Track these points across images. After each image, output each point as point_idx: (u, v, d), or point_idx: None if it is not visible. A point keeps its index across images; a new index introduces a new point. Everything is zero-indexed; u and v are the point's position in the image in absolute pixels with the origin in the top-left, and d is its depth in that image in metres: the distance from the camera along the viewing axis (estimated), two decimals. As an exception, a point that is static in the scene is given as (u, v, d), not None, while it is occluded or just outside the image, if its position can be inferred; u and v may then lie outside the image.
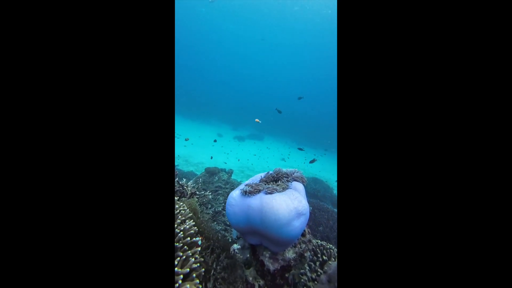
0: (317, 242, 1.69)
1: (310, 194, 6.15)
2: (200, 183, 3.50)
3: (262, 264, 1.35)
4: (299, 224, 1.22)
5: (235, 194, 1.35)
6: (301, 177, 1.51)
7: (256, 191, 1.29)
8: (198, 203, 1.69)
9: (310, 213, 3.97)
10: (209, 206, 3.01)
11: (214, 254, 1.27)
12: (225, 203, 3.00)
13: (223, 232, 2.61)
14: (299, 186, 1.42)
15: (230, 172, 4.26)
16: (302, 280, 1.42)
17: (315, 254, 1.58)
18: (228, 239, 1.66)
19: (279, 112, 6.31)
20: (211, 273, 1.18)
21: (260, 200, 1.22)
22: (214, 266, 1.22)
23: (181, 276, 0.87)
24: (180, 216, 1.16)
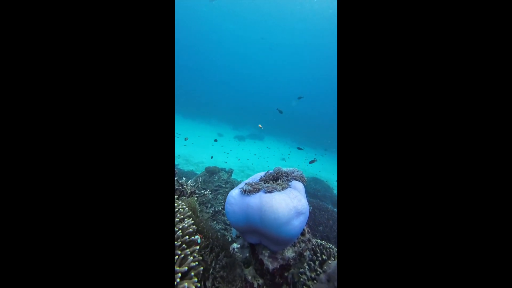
0: (316, 242, 1.69)
1: (310, 194, 6.15)
2: (200, 182, 3.50)
3: (261, 263, 1.35)
4: (299, 223, 1.21)
5: (235, 193, 1.34)
6: (301, 176, 1.50)
7: (256, 190, 1.28)
8: (198, 202, 1.69)
9: (310, 213, 3.97)
10: (209, 205, 3.01)
11: (213, 253, 1.27)
12: (225, 203, 3.00)
13: (223, 231, 2.61)
14: (298, 185, 1.42)
15: (230, 172, 4.26)
16: (301, 279, 1.42)
17: (315, 253, 1.58)
18: (228, 238, 1.65)
19: (280, 112, 6.31)
20: (210, 272, 1.17)
21: (260, 199, 1.22)
22: (213, 265, 1.22)
23: (179, 274, 0.87)
24: (178, 215, 1.16)
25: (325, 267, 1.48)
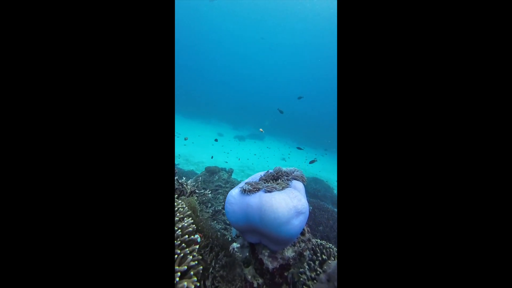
0: (316, 241, 1.68)
1: (311, 194, 6.15)
2: (200, 182, 3.50)
3: (261, 262, 1.35)
4: (298, 222, 1.21)
5: (235, 192, 1.34)
6: (301, 176, 1.50)
7: (256, 190, 1.28)
8: (198, 201, 1.69)
9: (310, 213, 3.97)
10: (209, 205, 3.01)
11: (213, 252, 1.27)
12: (225, 202, 2.99)
13: (223, 231, 2.61)
14: (298, 185, 1.42)
15: (230, 171, 4.26)
16: (301, 279, 1.42)
17: (315, 253, 1.57)
18: (228, 238, 1.65)
19: (281, 112, 6.30)
20: (210, 271, 1.17)
21: (260, 199, 1.21)
22: (213, 264, 1.22)
23: (179, 273, 0.87)
24: (178, 214, 1.16)
25: (325, 267, 1.47)
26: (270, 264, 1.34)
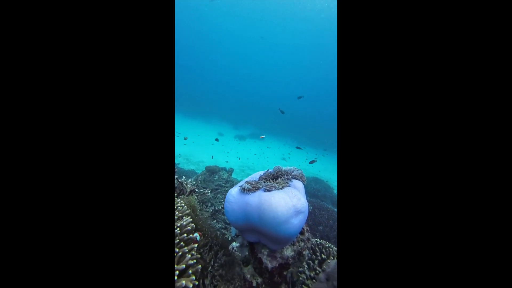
0: (316, 241, 1.68)
1: (311, 194, 6.14)
2: (200, 181, 3.51)
3: (260, 261, 1.35)
4: (298, 222, 1.21)
5: (234, 191, 1.34)
6: (301, 176, 1.50)
7: (255, 189, 1.28)
8: (198, 201, 1.69)
9: (310, 213, 3.97)
10: (209, 204, 3.01)
11: (212, 251, 1.27)
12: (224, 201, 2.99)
13: (223, 230, 2.61)
14: (298, 184, 1.42)
15: (230, 171, 4.26)
16: (300, 278, 1.42)
17: (314, 252, 1.57)
18: (227, 237, 1.65)
19: (282, 112, 6.30)
20: (209, 270, 1.17)
21: (259, 198, 1.21)
22: (212, 263, 1.22)
23: (177, 272, 0.87)
24: (177, 213, 1.16)
25: (324, 266, 1.47)
26: (269, 263, 1.34)
